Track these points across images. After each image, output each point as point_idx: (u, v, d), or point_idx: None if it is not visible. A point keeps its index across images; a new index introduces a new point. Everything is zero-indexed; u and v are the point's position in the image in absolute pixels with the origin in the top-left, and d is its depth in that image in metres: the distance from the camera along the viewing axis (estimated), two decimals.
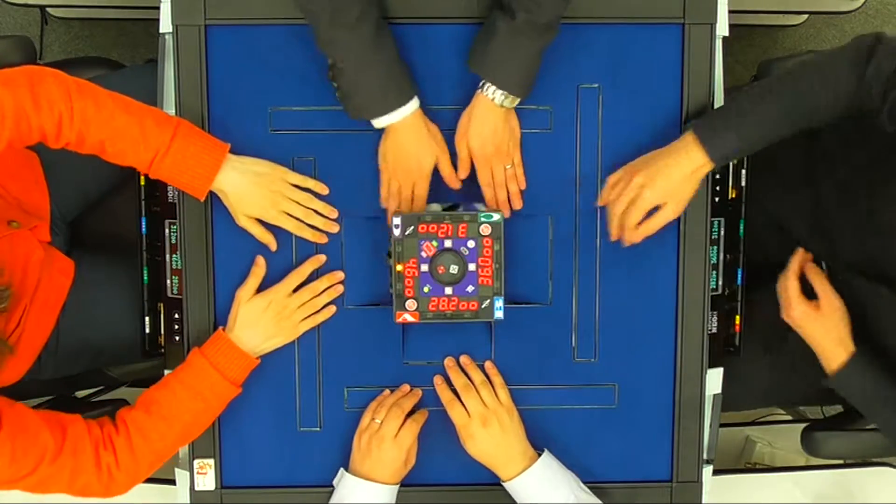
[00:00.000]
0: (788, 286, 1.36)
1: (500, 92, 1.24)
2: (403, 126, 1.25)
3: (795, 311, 1.34)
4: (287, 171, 1.31)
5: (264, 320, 1.30)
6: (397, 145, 1.27)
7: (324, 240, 1.33)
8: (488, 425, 1.30)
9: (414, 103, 1.25)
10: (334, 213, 1.33)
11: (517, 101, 1.26)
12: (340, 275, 1.35)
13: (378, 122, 1.25)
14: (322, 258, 1.34)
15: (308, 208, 1.32)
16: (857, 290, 1.33)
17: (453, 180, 1.33)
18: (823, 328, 1.33)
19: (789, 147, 1.30)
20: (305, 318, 1.33)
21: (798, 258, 1.38)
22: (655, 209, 1.26)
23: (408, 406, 1.34)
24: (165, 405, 1.26)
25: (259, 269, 1.33)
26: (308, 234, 1.33)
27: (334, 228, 1.34)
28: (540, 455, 1.31)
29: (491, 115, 1.26)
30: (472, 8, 1.32)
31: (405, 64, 1.26)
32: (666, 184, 1.24)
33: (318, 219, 1.33)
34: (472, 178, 1.34)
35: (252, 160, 1.28)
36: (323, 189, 1.33)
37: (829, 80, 1.21)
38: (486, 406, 1.31)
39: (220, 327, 1.32)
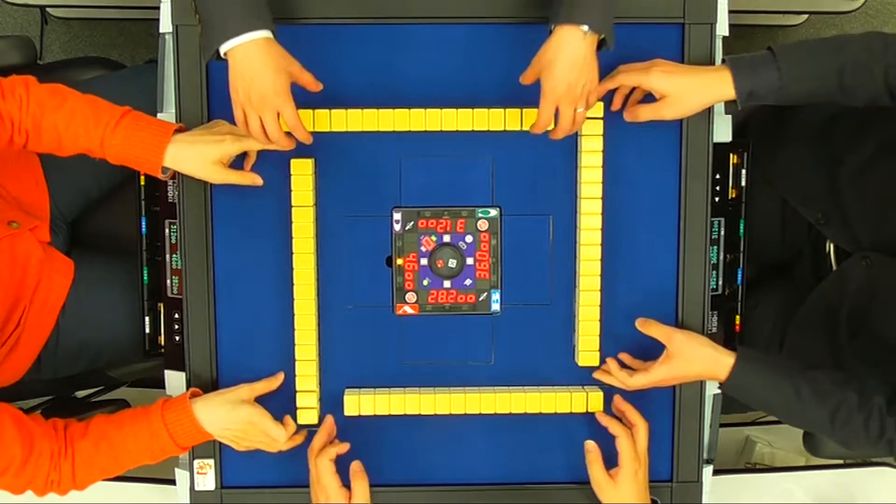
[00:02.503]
0: (637, 379, 1.32)
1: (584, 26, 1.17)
2: (251, 47, 1.15)
3: (665, 376, 1.30)
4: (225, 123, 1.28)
5: (233, 427, 1.30)
6: (246, 68, 1.16)
7: (291, 145, 1.25)
8: (642, 470, 1.30)
9: (267, 32, 1.16)
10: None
11: (596, 38, 1.19)
12: (305, 435, 1.34)
13: (226, 46, 1.15)
14: (281, 378, 1.35)
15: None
16: (877, 269, 1.33)
17: (312, 83, 1.22)
18: (693, 364, 1.29)
19: (807, 128, 1.29)
20: (259, 447, 1.33)
21: (609, 361, 1.36)
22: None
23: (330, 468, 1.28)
24: (115, 447, 1.27)
25: (275, 382, 1.34)
26: (266, 139, 1.22)
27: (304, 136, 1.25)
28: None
29: (578, 43, 1.17)
30: (474, 8, 1.32)
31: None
32: (685, 85, 1.25)
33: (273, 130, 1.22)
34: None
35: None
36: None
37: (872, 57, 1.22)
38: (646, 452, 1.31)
39: (191, 391, 1.31)
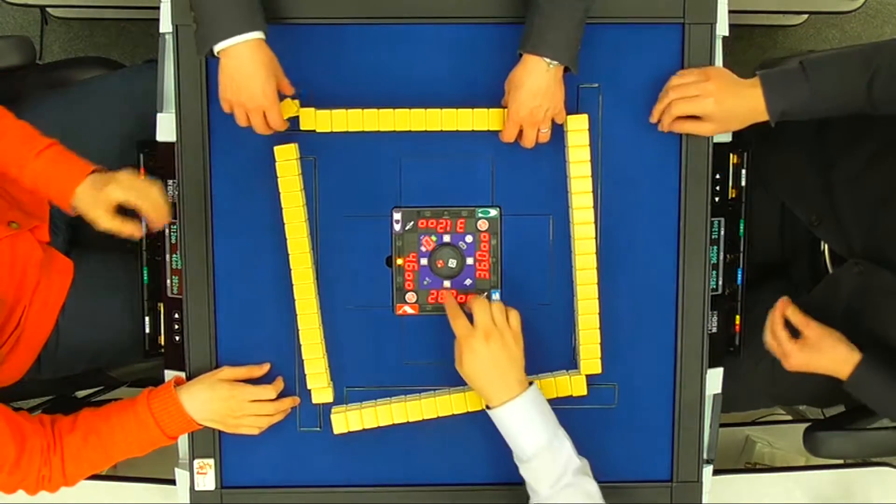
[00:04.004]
0: (780, 337, 1.33)
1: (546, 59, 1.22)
2: (242, 49, 1.18)
3: (795, 359, 1.33)
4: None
5: (216, 407, 1.31)
6: (235, 70, 1.19)
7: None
8: (491, 340, 1.23)
9: (259, 33, 1.19)
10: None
11: (562, 67, 1.24)
12: (297, 400, 1.37)
13: (218, 46, 1.18)
14: (280, 386, 1.35)
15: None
16: (867, 277, 1.33)
17: (288, 88, 1.26)
18: (823, 357, 1.32)
19: (802, 130, 1.31)
20: (248, 424, 1.34)
21: (777, 308, 1.35)
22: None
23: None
24: (103, 438, 1.28)
25: (258, 371, 1.35)
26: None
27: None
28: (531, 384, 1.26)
29: (542, 73, 1.23)
30: (474, 8, 1.32)
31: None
32: (731, 110, 1.28)
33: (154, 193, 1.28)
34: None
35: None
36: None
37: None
38: (495, 323, 1.25)
39: (175, 379, 1.33)
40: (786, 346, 1.32)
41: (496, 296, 1.35)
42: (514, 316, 1.28)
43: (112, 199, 1.24)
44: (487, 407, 1.26)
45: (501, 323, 1.26)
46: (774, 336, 1.34)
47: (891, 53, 1.24)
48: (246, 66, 1.18)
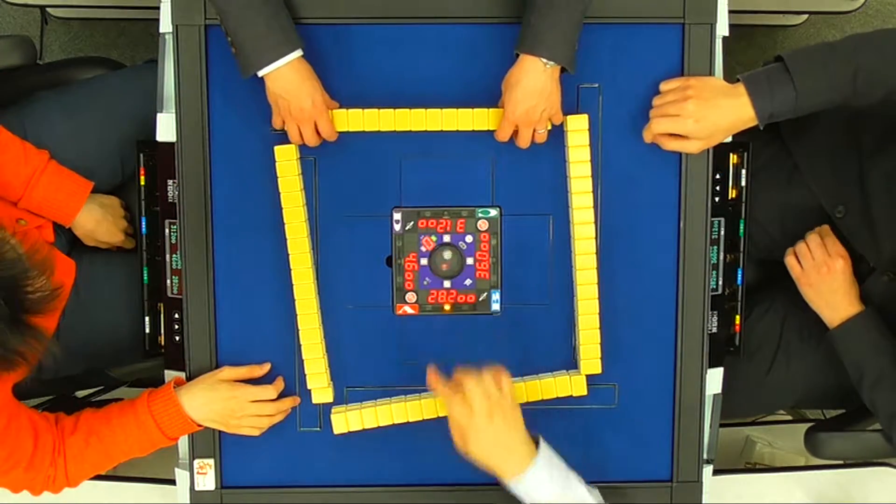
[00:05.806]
0: (821, 247, 1.40)
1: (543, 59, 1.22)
2: (286, 70, 1.23)
3: (841, 260, 1.39)
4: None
5: (217, 408, 1.31)
6: (283, 88, 1.24)
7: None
8: (494, 418, 1.17)
9: (299, 52, 1.23)
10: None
11: (558, 68, 1.24)
12: (297, 400, 1.37)
13: (263, 72, 1.23)
14: (280, 386, 1.35)
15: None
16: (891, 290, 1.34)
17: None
18: (848, 284, 1.38)
19: (836, 114, 1.32)
20: (249, 425, 1.34)
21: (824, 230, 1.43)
22: None
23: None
24: (104, 440, 1.29)
25: (259, 371, 1.35)
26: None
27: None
28: (536, 441, 1.21)
29: (539, 73, 1.23)
30: (474, 8, 1.32)
31: (288, 14, 1.24)
32: (714, 125, 1.28)
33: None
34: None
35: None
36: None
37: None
38: (490, 398, 1.18)
39: (175, 380, 1.33)
40: (822, 256, 1.39)
41: (496, 296, 1.35)
42: (506, 380, 1.22)
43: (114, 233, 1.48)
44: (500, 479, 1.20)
45: (496, 395, 1.19)
46: (828, 234, 1.41)
47: (872, 51, 1.23)
48: (291, 83, 1.24)
